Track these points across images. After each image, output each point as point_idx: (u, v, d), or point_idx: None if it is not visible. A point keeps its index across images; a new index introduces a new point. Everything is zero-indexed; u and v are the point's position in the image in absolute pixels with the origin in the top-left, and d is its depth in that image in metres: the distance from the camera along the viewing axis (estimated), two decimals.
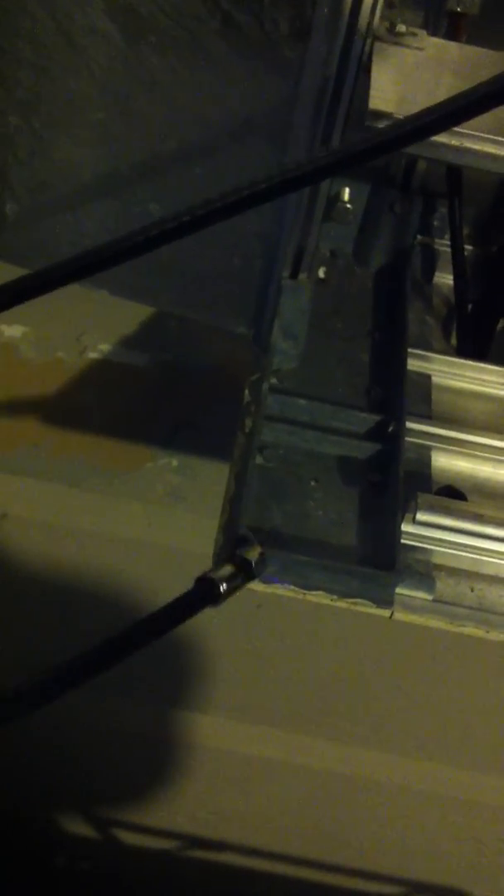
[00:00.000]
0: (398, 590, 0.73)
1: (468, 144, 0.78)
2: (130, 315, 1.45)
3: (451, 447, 0.88)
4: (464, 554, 0.77)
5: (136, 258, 0.55)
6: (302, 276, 0.92)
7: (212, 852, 1.71)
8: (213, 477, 1.33)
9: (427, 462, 0.86)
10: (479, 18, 0.99)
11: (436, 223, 1.13)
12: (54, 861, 1.76)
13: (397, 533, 0.75)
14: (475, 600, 0.76)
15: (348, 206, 1.06)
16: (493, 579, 0.77)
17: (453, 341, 1.10)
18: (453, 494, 0.84)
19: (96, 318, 1.45)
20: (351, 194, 1.06)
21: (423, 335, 1.08)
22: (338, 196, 1.05)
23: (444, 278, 1.12)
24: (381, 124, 0.78)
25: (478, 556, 0.77)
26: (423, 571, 0.76)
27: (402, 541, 0.76)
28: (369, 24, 0.87)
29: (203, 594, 0.67)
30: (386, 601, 0.73)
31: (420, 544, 0.77)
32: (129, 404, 1.44)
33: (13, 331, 1.45)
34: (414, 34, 0.92)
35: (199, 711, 1.56)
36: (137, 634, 0.64)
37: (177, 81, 1.25)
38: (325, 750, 1.59)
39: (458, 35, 0.99)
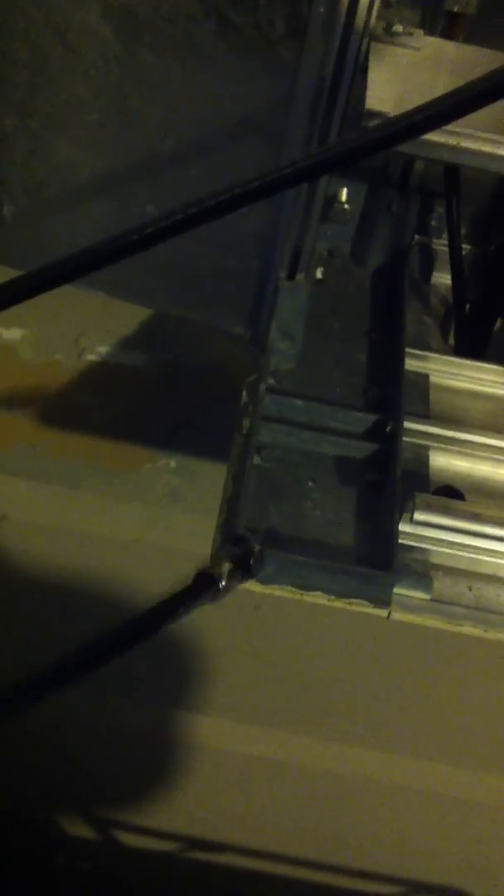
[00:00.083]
0: (396, 589, 0.73)
1: (465, 144, 0.78)
2: (128, 316, 1.45)
3: (448, 447, 0.88)
4: (462, 553, 0.77)
5: (132, 257, 0.55)
6: (299, 276, 0.92)
7: (212, 853, 1.71)
8: (211, 478, 1.33)
9: (425, 462, 0.86)
10: (476, 18, 0.99)
11: (433, 223, 1.12)
12: (54, 861, 1.76)
13: (395, 532, 0.75)
14: (473, 600, 0.76)
15: (346, 205, 1.06)
16: (491, 578, 0.77)
17: (451, 341, 1.10)
18: (451, 494, 0.84)
19: (94, 319, 1.45)
20: (348, 194, 1.06)
21: (421, 335, 1.08)
22: (335, 196, 1.05)
23: (442, 278, 1.12)
24: None
25: (476, 556, 0.77)
26: (421, 571, 0.75)
27: (400, 540, 0.75)
28: (366, 23, 0.87)
29: (201, 590, 0.66)
30: (384, 601, 0.73)
31: (418, 544, 0.77)
32: (127, 405, 1.44)
33: (11, 333, 1.45)
34: (411, 34, 0.92)
35: (199, 711, 1.56)
36: (135, 629, 0.63)
37: (173, 82, 1.25)
38: (325, 750, 1.59)
39: (455, 35, 0.99)
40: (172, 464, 1.39)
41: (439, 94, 0.53)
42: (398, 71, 0.88)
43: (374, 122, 0.78)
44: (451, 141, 0.78)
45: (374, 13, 0.88)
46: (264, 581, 0.72)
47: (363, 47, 0.88)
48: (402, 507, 0.76)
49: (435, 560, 0.77)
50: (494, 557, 0.77)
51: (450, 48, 0.95)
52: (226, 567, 0.68)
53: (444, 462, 0.87)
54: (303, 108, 0.94)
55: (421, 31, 0.93)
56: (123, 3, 1.21)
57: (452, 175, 1.04)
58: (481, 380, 0.98)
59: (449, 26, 1.00)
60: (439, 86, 0.90)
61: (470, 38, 0.98)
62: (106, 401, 1.43)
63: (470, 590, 0.76)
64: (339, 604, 0.72)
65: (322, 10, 0.91)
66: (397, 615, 0.73)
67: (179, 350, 1.45)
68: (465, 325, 1.07)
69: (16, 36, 1.25)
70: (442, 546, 0.77)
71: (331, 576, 0.72)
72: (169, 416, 1.42)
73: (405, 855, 1.69)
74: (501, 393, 0.98)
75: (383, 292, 1.08)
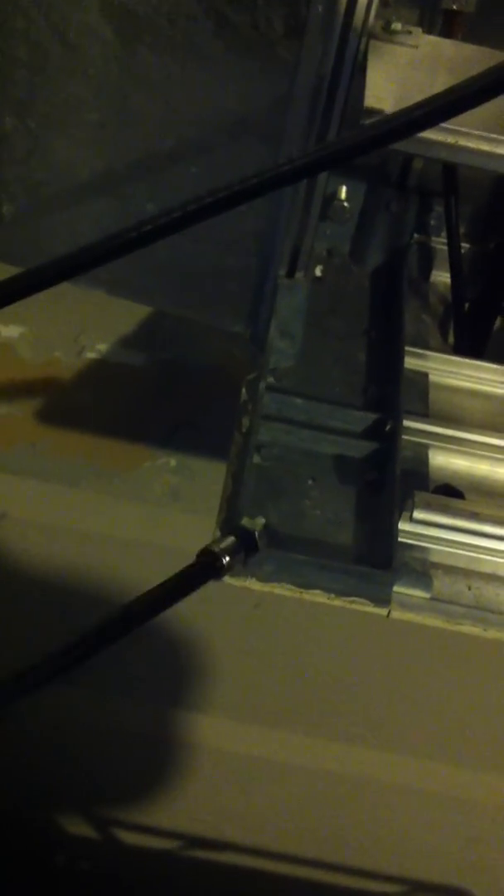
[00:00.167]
0: (395, 588, 0.73)
1: (463, 142, 0.78)
2: (128, 315, 1.45)
3: (448, 445, 0.87)
4: (461, 552, 0.77)
5: (131, 255, 0.55)
6: (298, 274, 0.92)
7: (212, 852, 1.71)
8: (211, 476, 1.33)
9: (424, 460, 0.86)
10: (474, 16, 0.99)
11: (432, 221, 1.12)
12: (54, 861, 1.76)
13: (394, 531, 0.75)
14: (472, 598, 0.76)
15: (345, 204, 1.06)
16: (491, 577, 0.77)
17: (450, 339, 1.09)
18: (450, 493, 0.84)
19: (94, 318, 1.45)
20: (347, 193, 1.06)
21: (420, 333, 1.08)
22: (334, 194, 1.05)
23: (441, 276, 1.12)
24: None
25: (475, 555, 0.77)
26: (421, 570, 0.75)
27: (400, 539, 0.75)
28: (364, 22, 0.87)
29: (205, 567, 0.66)
30: (383, 600, 0.73)
31: (417, 542, 0.76)
32: (127, 404, 1.44)
33: (10, 331, 1.45)
34: (409, 32, 0.92)
35: (199, 711, 1.56)
36: (140, 609, 0.63)
37: (172, 81, 1.25)
38: (325, 750, 1.59)
39: (454, 33, 0.99)
40: (172, 462, 1.39)
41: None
42: (397, 69, 0.88)
43: (372, 120, 0.78)
44: (450, 139, 0.78)
45: (373, 12, 0.87)
46: (264, 579, 0.72)
47: (362, 46, 0.88)
48: (402, 506, 0.76)
49: (434, 559, 0.77)
50: (494, 556, 0.77)
51: (448, 46, 0.95)
52: (229, 542, 0.68)
53: (443, 461, 0.87)
54: (301, 107, 0.93)
55: (419, 30, 0.92)
56: (123, 2, 1.21)
57: (451, 174, 1.04)
58: (480, 378, 0.98)
59: (447, 24, 1.00)
60: (438, 84, 0.90)
61: (468, 37, 0.98)
62: (105, 399, 1.43)
63: (469, 588, 0.76)
64: (338, 602, 0.72)
65: (320, 9, 0.91)
66: (397, 614, 0.73)
67: (179, 349, 1.45)
68: (465, 323, 1.07)
69: (16, 35, 1.25)
70: (441, 545, 0.77)
71: (330, 574, 0.72)
72: (168, 414, 1.42)
73: (405, 855, 1.69)
74: (501, 392, 0.98)
75: (382, 291, 1.08)
